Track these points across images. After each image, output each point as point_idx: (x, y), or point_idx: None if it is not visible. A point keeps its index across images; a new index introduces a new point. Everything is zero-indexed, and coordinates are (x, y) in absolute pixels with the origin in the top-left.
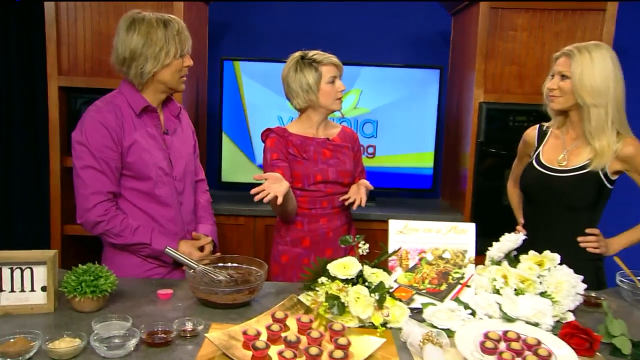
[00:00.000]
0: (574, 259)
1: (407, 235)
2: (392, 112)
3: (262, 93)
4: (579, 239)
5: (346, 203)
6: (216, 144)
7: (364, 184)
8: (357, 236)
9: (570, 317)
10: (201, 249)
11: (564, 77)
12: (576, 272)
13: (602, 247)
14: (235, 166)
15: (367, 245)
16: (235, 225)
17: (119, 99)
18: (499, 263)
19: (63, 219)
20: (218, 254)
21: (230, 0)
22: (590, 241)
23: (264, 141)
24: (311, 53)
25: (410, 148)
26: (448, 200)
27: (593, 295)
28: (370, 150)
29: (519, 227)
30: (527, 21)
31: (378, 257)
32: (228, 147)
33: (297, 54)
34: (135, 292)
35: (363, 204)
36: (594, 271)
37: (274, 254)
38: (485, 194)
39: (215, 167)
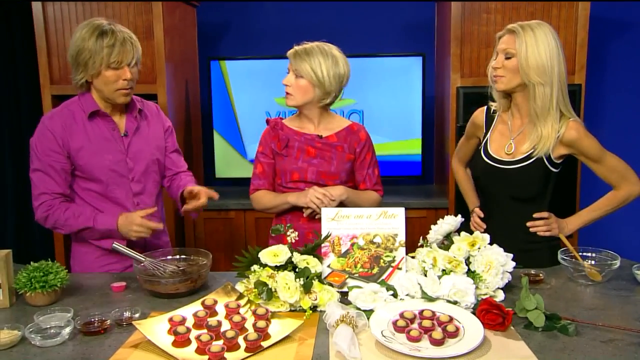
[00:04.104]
0: (528, 242)
1: (339, 222)
2: (379, 102)
3: (248, 90)
4: (529, 224)
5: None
6: (210, 142)
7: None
8: (288, 225)
9: (501, 295)
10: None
11: (508, 55)
12: (531, 254)
13: (553, 229)
14: (228, 162)
15: (296, 233)
16: (227, 219)
17: (74, 104)
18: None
19: None
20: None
21: (220, 0)
22: (539, 225)
23: None
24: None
25: (398, 136)
26: (439, 186)
27: (532, 272)
28: None
29: (477, 211)
30: (501, 3)
31: (306, 244)
32: (220, 144)
33: None
34: (91, 286)
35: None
36: (549, 250)
37: None
38: None
39: (210, 164)
